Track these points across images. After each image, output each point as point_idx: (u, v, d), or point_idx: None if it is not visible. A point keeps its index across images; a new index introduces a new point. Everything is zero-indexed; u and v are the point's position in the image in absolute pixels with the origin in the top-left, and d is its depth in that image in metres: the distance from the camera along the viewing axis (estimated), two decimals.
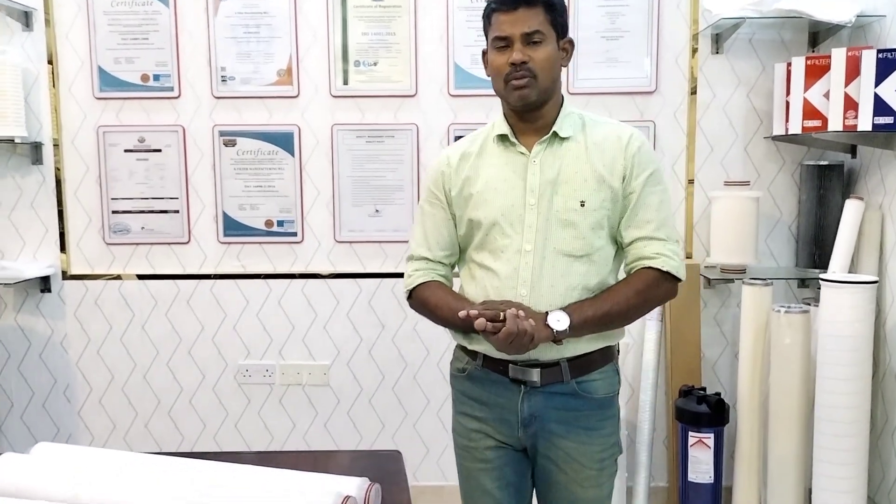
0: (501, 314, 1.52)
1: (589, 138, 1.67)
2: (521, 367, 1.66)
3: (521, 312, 1.52)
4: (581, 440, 1.68)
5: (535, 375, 1.65)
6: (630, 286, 1.65)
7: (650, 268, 1.64)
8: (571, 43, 1.70)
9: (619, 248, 1.70)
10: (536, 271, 1.62)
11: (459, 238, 1.76)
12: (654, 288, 1.65)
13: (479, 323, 1.51)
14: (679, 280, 1.67)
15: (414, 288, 1.77)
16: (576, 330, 1.58)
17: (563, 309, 1.58)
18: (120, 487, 1.25)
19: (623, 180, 1.65)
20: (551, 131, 1.66)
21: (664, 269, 1.63)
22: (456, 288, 1.77)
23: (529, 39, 1.61)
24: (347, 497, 1.23)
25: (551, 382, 1.66)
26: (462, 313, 1.54)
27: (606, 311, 1.61)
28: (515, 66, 1.61)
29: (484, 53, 1.72)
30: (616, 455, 1.75)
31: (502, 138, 1.70)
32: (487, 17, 1.67)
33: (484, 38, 1.70)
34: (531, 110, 1.66)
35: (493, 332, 1.52)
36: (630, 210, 1.65)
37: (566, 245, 1.63)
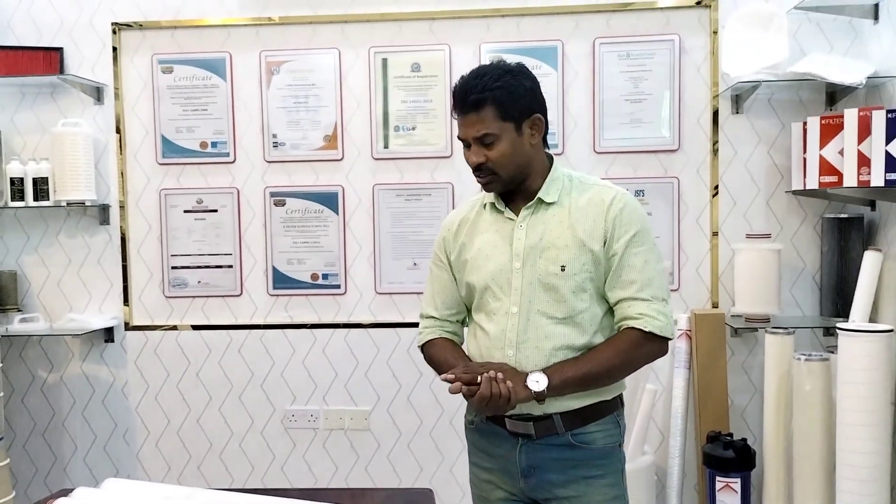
0: (479, 377, 1.59)
1: (574, 202, 1.72)
2: (515, 421, 1.71)
3: (500, 375, 1.59)
4: (581, 490, 1.71)
5: (530, 428, 1.70)
6: (612, 347, 1.68)
7: (633, 328, 1.67)
8: (539, 120, 1.72)
9: (610, 307, 1.73)
10: (522, 333, 1.69)
11: (463, 298, 1.85)
12: (637, 348, 1.68)
13: (453, 388, 1.60)
14: (666, 339, 1.69)
15: (423, 344, 1.89)
16: (555, 390, 1.63)
17: (544, 370, 1.64)
18: None
19: (604, 243, 1.69)
20: (536, 197, 1.73)
21: (646, 329, 1.66)
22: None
23: (481, 140, 1.67)
24: None
25: (546, 434, 1.70)
26: (443, 376, 1.65)
27: (586, 371, 1.65)
28: (475, 166, 1.70)
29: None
30: None
31: (493, 205, 1.79)
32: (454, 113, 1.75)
33: None
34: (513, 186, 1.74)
35: (470, 395, 1.60)
36: (613, 271, 1.69)
37: (549, 308, 1.68)
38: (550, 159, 1.79)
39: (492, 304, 1.74)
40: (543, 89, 2.88)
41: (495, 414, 1.67)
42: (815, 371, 2.47)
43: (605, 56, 2.90)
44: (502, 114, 1.67)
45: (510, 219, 1.76)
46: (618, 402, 1.77)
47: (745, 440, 2.65)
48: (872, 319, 2.56)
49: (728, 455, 2.59)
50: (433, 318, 1.89)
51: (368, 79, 2.97)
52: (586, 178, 1.80)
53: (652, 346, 1.69)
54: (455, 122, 1.74)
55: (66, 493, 1.62)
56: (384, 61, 2.96)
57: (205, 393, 3.10)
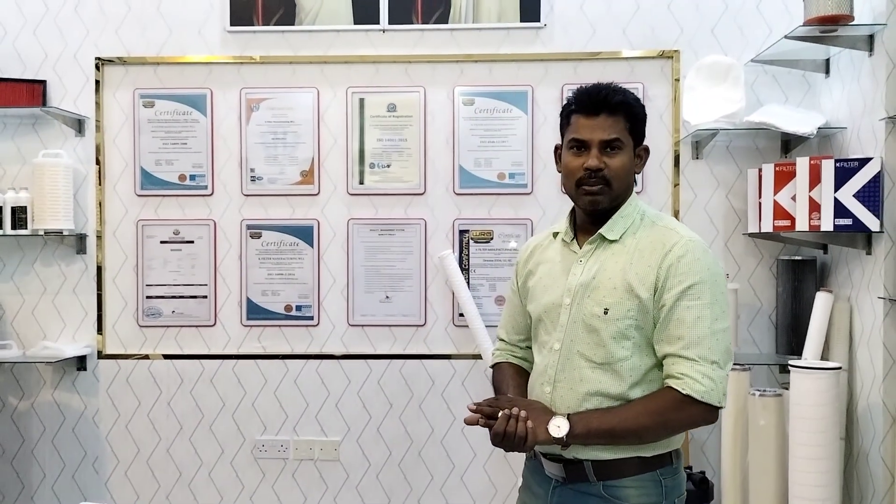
0: (500, 412, 1.56)
1: (638, 242, 1.63)
2: (549, 461, 1.67)
3: (523, 413, 1.53)
4: None
5: (561, 471, 1.64)
6: (644, 405, 1.57)
7: (671, 388, 1.54)
8: (647, 150, 1.70)
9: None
10: (560, 371, 1.63)
11: (530, 325, 1.80)
12: (673, 411, 1.54)
13: (468, 419, 1.59)
14: (712, 406, 1.54)
15: (493, 366, 1.89)
16: (578, 438, 1.55)
17: (570, 416, 1.56)
18: None
19: (655, 291, 1.57)
20: (598, 233, 1.65)
21: (683, 391, 1.52)
22: None
23: (607, 146, 1.60)
24: None
25: (578, 481, 1.63)
26: (469, 405, 1.62)
27: (613, 426, 1.55)
28: (590, 171, 1.60)
29: (557, 149, 1.72)
30: None
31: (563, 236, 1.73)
32: (567, 116, 1.67)
33: (560, 133, 1.71)
34: (598, 213, 1.66)
35: (488, 427, 1.56)
36: (660, 323, 1.57)
37: (588, 350, 1.61)
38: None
39: (543, 337, 1.71)
40: (513, 132, 3.07)
41: (510, 451, 1.59)
42: (770, 406, 2.58)
43: None
44: (630, 127, 1.63)
45: (574, 252, 1.70)
46: (663, 460, 1.63)
47: (703, 473, 2.73)
48: (824, 357, 2.68)
49: (687, 487, 2.66)
50: (504, 341, 1.89)
51: (346, 117, 3.07)
52: (660, 217, 1.69)
53: (692, 411, 1.54)
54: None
55: None
56: (361, 101, 3.06)
57: (176, 422, 3.12)
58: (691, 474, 2.71)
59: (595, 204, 1.63)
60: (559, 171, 1.71)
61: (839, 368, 2.45)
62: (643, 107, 1.68)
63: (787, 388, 2.71)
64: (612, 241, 1.64)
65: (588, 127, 1.61)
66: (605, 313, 1.59)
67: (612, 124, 1.60)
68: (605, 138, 1.60)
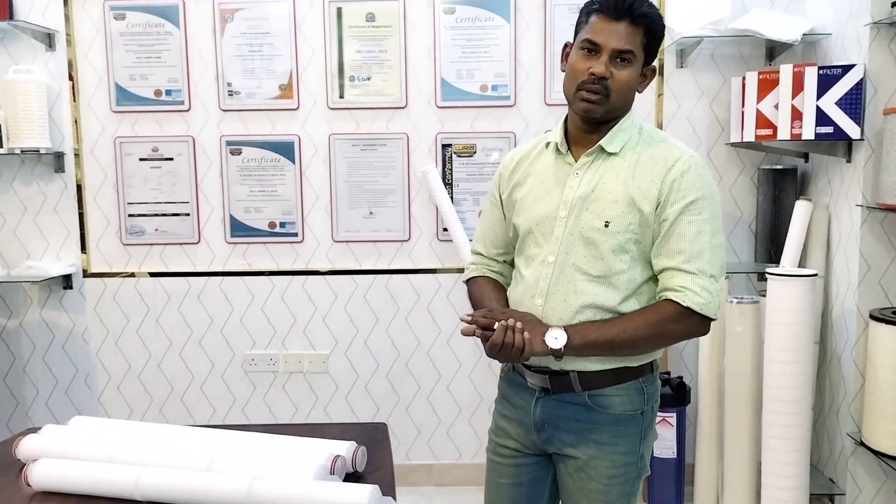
0: (496, 323, 1.54)
1: (638, 157, 1.61)
2: (534, 373, 1.67)
3: (518, 325, 1.53)
4: (591, 453, 1.64)
5: (546, 382, 1.65)
6: (643, 316, 1.57)
7: (670, 300, 1.55)
8: (654, 71, 1.65)
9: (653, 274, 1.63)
10: (553, 284, 1.61)
11: (511, 239, 1.77)
12: (672, 322, 1.55)
13: (465, 329, 1.56)
14: (707, 317, 1.56)
15: (467, 280, 1.85)
16: (574, 350, 1.55)
17: (567, 327, 1.56)
18: (148, 447, 1.51)
19: (657, 206, 1.57)
20: (597, 145, 1.62)
21: (684, 303, 1.53)
22: None
23: (619, 56, 1.56)
24: (338, 456, 1.49)
25: (563, 391, 1.64)
26: (461, 317, 1.59)
27: (611, 337, 1.55)
28: (594, 77, 1.56)
29: (566, 46, 1.66)
30: (633, 475, 1.67)
31: (557, 146, 1.68)
32: (587, 14, 1.60)
33: (573, 32, 1.65)
34: (593, 123, 1.63)
35: (484, 339, 1.55)
36: (661, 237, 1.57)
37: (585, 263, 1.60)
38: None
39: (532, 250, 1.68)
40: (495, 42, 3.00)
41: (508, 362, 1.62)
42: (747, 313, 2.64)
43: (556, 9, 2.97)
44: (645, 44, 1.58)
45: (569, 164, 1.66)
46: (645, 369, 1.66)
47: (681, 378, 2.82)
48: (802, 265, 2.73)
49: (665, 391, 2.76)
50: (481, 255, 1.84)
51: (323, 28, 2.99)
52: (657, 133, 1.67)
53: (689, 322, 1.56)
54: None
55: (35, 430, 1.69)
56: (339, 10, 2.98)
57: (165, 338, 3.17)
58: (669, 379, 2.80)
59: (589, 112, 1.59)
60: (563, 71, 1.65)
61: (815, 275, 2.49)
62: (664, 26, 1.62)
63: (764, 296, 2.77)
64: (611, 154, 1.62)
65: (605, 31, 1.56)
66: (606, 226, 1.57)
67: (630, 34, 1.55)
68: (618, 47, 1.55)
